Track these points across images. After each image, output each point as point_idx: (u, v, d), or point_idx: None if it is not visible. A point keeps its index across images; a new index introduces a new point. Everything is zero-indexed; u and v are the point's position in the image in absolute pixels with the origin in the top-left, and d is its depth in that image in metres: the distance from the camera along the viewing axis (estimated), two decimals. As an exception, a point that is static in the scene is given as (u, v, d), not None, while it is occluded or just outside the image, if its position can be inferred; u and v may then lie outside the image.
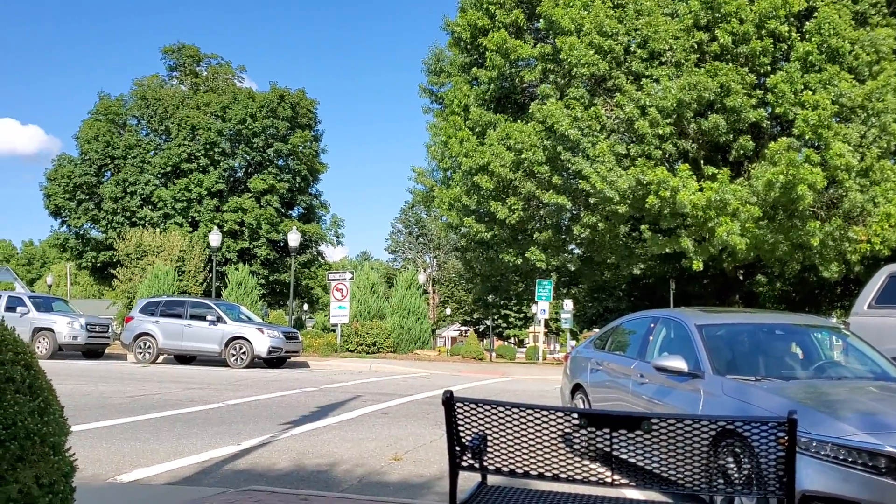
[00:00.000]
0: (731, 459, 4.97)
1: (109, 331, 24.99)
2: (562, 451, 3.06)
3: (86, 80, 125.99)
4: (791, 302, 29.25)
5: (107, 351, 25.39)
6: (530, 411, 3.01)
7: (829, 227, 19.35)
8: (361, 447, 8.16)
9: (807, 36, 19.76)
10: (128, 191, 47.95)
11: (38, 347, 22.51)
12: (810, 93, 18.87)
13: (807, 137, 18.96)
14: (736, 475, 4.90)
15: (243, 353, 21.34)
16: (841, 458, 4.64)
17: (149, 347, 22.10)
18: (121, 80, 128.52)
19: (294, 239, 31.09)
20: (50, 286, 62.46)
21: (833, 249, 20.00)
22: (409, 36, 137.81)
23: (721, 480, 4.72)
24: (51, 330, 22.84)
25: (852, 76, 19.17)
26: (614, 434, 2.94)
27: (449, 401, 3.05)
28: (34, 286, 79.36)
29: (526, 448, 3.08)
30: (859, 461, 4.59)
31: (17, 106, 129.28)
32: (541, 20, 22.88)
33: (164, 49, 54.26)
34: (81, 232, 49.77)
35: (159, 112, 49.76)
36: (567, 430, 3.02)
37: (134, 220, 47.26)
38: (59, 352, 23.06)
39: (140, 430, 8.90)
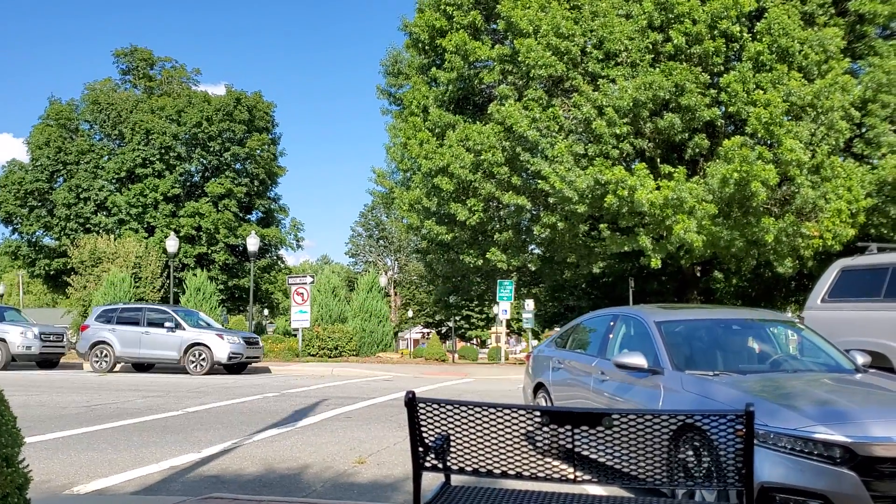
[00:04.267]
0: (691, 453, 5.04)
1: (64, 340, 24.48)
2: (525, 450, 3.07)
3: (35, 85, 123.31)
4: (747, 297, 29.77)
5: (62, 360, 24.87)
6: (493, 410, 3.01)
7: (782, 224, 19.73)
8: (324, 451, 8.11)
9: (758, 36, 20.13)
10: (81, 197, 47.07)
11: (-10, 358, 21.98)
12: (762, 92, 19.24)
13: (759, 135, 19.33)
14: (696, 468, 4.97)
15: (203, 359, 21.07)
16: (798, 449, 4.73)
17: (105, 356, 21.70)
18: (72, 84, 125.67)
19: (253, 243, 30.80)
20: (1, 295, 60.92)
21: (787, 245, 20.40)
22: (366, 37, 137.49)
23: (682, 474, 4.77)
24: (3, 340, 22.29)
25: (802, 75, 19.59)
26: (576, 431, 2.96)
27: (411, 402, 3.05)
28: (-15, 296, 77.37)
29: (489, 447, 3.08)
30: (815, 452, 4.68)
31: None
32: (499, 21, 22.98)
33: (116, 52, 53.43)
34: (34, 239, 48.74)
35: (112, 116, 48.94)
36: (530, 429, 3.04)
37: (88, 226, 46.40)
38: (13, 362, 22.52)
39: (98, 440, 8.73)
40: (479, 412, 3.03)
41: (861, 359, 6.67)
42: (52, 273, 48.33)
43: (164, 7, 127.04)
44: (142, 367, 22.72)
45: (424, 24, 25.34)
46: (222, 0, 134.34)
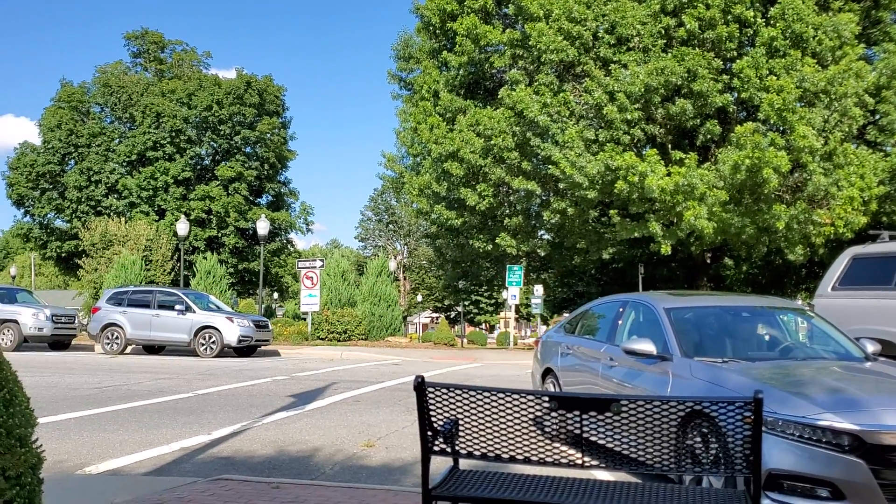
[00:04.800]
0: (699, 440, 5.04)
1: (76, 322, 24.63)
2: (533, 435, 3.09)
3: (47, 67, 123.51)
4: (757, 284, 29.68)
5: (73, 342, 25.04)
6: (501, 395, 3.03)
7: (794, 211, 19.62)
8: (334, 434, 8.16)
9: (771, 21, 19.95)
10: (92, 179, 47.24)
11: (3, 339, 22.13)
12: (775, 78, 19.08)
13: (772, 121, 19.19)
14: (704, 455, 4.98)
15: (213, 342, 21.18)
16: (806, 436, 4.73)
17: (116, 338, 21.84)
18: (83, 66, 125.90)
19: (263, 227, 30.86)
20: (14, 277, 61.29)
21: (798, 233, 20.30)
22: (377, 21, 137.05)
23: (689, 460, 4.78)
24: (15, 321, 22.45)
25: (815, 61, 19.41)
26: (584, 417, 2.97)
27: (420, 386, 3.06)
28: (-3, 277, 77.92)
29: (497, 432, 3.10)
30: (824, 439, 4.68)
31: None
32: (510, 5, 22.86)
33: (127, 35, 53.44)
34: (45, 222, 48.98)
35: (123, 99, 49.01)
36: (538, 414, 3.05)
37: (99, 209, 46.59)
38: (25, 343, 22.69)
39: (109, 421, 8.81)
40: (488, 397, 3.04)
41: (871, 347, 6.65)
42: (63, 255, 48.60)
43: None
44: (152, 349, 22.86)
45: (436, 7, 25.22)
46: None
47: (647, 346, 6.41)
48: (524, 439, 3.08)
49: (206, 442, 7.60)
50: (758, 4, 20.35)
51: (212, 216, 48.05)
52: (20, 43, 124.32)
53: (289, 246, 55.64)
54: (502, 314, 74.02)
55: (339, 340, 28.19)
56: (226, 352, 21.51)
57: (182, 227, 31.90)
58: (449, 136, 23.59)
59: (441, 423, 3.14)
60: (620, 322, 7.63)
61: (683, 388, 5.88)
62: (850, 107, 19.06)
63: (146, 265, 33.86)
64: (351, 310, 30.25)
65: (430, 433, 3.13)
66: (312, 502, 5.03)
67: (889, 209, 21.06)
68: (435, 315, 78.34)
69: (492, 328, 76.45)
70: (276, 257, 52.35)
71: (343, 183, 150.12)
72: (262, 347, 23.24)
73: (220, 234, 48.40)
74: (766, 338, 7.07)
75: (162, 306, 21.99)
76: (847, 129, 19.58)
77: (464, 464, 3.35)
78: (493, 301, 70.64)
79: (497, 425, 3.09)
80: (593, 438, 3.08)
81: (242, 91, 48.98)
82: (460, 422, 3.14)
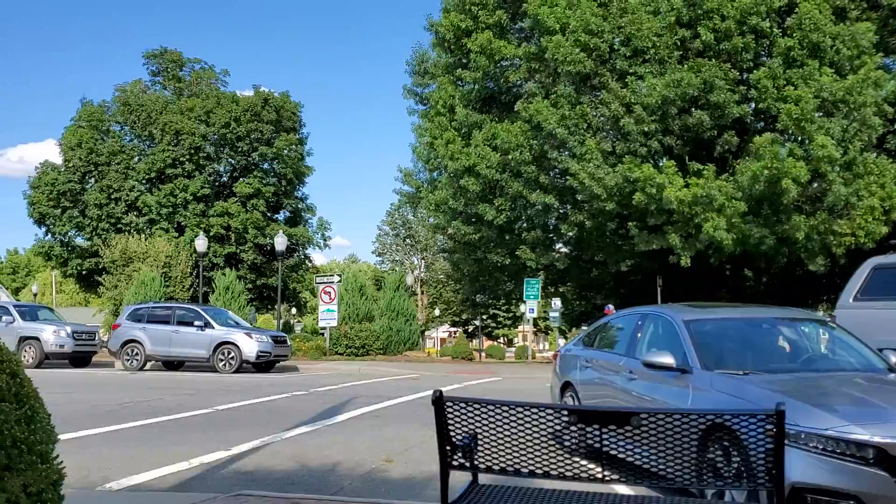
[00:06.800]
0: (720, 453, 4.99)
1: (96, 338, 24.81)
2: (552, 449, 3.07)
3: (68, 87, 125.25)
4: (778, 296, 29.36)
5: (94, 359, 25.20)
6: (520, 409, 3.01)
7: (813, 221, 19.47)
8: (353, 449, 8.15)
9: (788, 31, 19.88)
10: (112, 197, 47.63)
11: (25, 356, 22.30)
12: (792, 88, 18.99)
13: (790, 132, 19.10)
14: (726, 468, 4.92)
15: (232, 358, 21.24)
16: (829, 449, 4.67)
17: (136, 354, 21.96)
18: (103, 85, 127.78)
19: (281, 243, 31.00)
20: (35, 295, 61.89)
21: (818, 243, 20.13)
22: (393, 36, 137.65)
23: (711, 474, 4.73)
24: (37, 338, 22.64)
25: (833, 70, 19.31)
26: (604, 430, 2.95)
27: (439, 401, 3.05)
28: (19, 295, 78.69)
29: (516, 446, 3.08)
30: (847, 452, 4.62)
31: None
32: (525, 20, 22.95)
33: (146, 54, 53.95)
34: (66, 239, 49.37)
35: (142, 118, 49.47)
36: (557, 428, 3.03)
37: (119, 226, 46.94)
38: (46, 360, 22.86)
39: (129, 437, 8.85)
40: (507, 411, 3.03)
41: (894, 358, 6.56)
42: (84, 272, 48.95)
43: (192, 10, 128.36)
44: (172, 365, 22.97)
45: (450, 24, 25.36)
46: (250, 2, 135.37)
47: (667, 359, 6.36)
48: (544, 453, 3.06)
49: (226, 457, 7.61)
50: (774, 15, 20.29)
51: (230, 232, 48.31)
52: (42, 64, 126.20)
53: (307, 261, 55.76)
54: (520, 328, 73.79)
55: (357, 355, 28.20)
56: (245, 367, 21.57)
57: (201, 243, 32.11)
58: (465, 151, 23.65)
59: (460, 437, 3.12)
60: (639, 335, 7.58)
61: (704, 401, 5.83)
62: (869, 116, 18.92)
63: (165, 281, 34.08)
64: (369, 324, 30.28)
65: (448, 448, 3.12)
66: (332, 518, 5.02)
67: (910, 219, 20.86)
68: (453, 329, 78.20)
69: (510, 342, 76.21)
70: (294, 273, 52.46)
71: (360, 198, 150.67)
72: (281, 363, 23.29)
73: (238, 251, 48.62)
74: (787, 349, 7.00)
75: (181, 322, 22.10)
76: (866, 139, 19.44)
77: (483, 478, 3.34)
78: (511, 315, 70.40)
79: (516, 439, 3.07)
80: (613, 452, 3.06)
81: (260, 108, 49.31)
82: (479, 436, 3.12)
